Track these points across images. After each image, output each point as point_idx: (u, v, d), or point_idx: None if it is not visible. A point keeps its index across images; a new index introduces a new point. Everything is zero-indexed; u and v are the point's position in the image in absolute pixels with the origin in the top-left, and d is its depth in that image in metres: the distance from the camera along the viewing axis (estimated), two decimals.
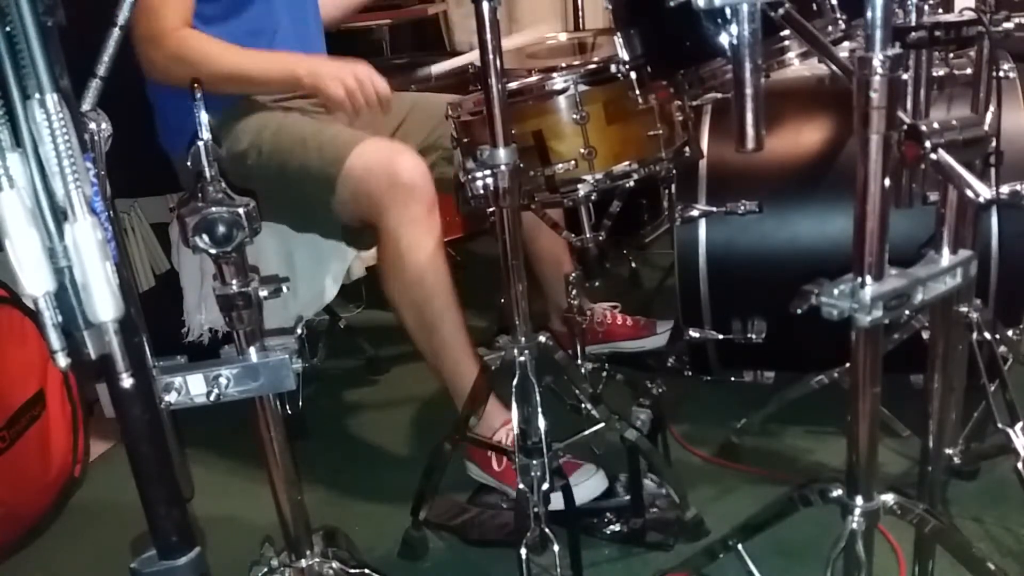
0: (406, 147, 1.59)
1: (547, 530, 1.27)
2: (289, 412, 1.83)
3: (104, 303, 0.66)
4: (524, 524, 1.27)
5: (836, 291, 0.80)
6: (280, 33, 1.71)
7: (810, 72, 1.75)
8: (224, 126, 1.68)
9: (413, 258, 1.51)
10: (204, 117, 0.92)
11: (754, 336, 1.62)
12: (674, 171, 1.54)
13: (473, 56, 2.04)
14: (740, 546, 1.20)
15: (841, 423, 0.97)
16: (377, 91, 1.59)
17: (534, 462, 1.28)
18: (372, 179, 1.53)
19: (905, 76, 1.15)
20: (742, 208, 1.59)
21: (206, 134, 0.91)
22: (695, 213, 1.62)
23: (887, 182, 0.80)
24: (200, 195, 0.91)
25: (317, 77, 1.57)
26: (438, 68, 1.86)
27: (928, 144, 0.83)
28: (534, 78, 1.45)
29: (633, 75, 1.42)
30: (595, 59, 1.53)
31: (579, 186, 1.44)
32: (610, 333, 2.09)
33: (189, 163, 0.91)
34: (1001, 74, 1.44)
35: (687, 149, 1.55)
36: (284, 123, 1.68)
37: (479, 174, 1.18)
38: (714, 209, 1.61)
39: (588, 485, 1.52)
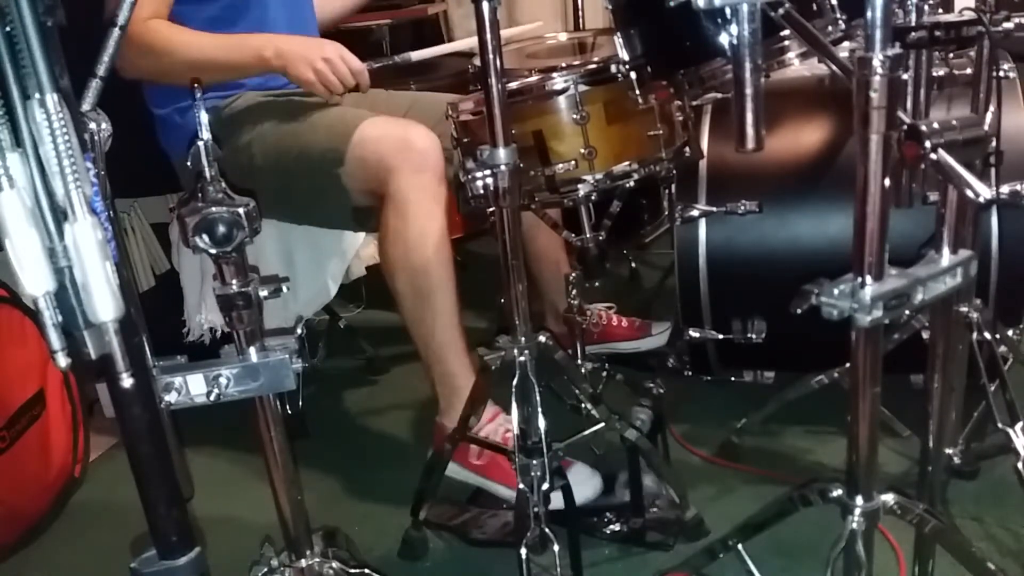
0: (417, 122, 1.58)
1: (547, 530, 1.27)
2: (289, 412, 1.83)
3: (104, 303, 0.66)
4: (524, 524, 1.27)
5: (836, 291, 0.80)
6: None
7: (810, 72, 1.75)
8: (223, 121, 1.67)
9: (418, 224, 1.50)
10: (204, 117, 0.92)
11: (754, 336, 1.62)
12: (674, 171, 1.54)
13: (455, 46, 2.05)
14: (740, 546, 1.20)
15: (841, 423, 0.97)
16: (350, 69, 1.57)
17: (534, 462, 1.28)
18: (384, 144, 1.52)
19: (905, 76, 1.15)
20: (742, 208, 1.59)
21: (206, 134, 0.91)
22: (695, 213, 1.62)
23: (887, 182, 0.80)
24: (200, 195, 0.91)
25: (285, 58, 1.55)
26: (419, 54, 1.87)
27: (928, 144, 0.83)
28: (534, 78, 1.45)
29: (633, 75, 1.42)
30: (595, 59, 1.53)
31: (579, 186, 1.44)
32: (606, 334, 2.09)
33: (189, 163, 0.91)
34: (1001, 74, 1.44)
35: (687, 149, 1.55)
36: (285, 110, 1.67)
37: (479, 174, 1.18)
38: (714, 209, 1.61)
39: (582, 487, 1.52)
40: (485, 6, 1.10)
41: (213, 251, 0.92)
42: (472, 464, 1.58)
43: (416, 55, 1.87)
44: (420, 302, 1.54)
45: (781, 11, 1.09)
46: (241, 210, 0.91)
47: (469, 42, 1.96)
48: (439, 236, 1.51)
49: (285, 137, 1.63)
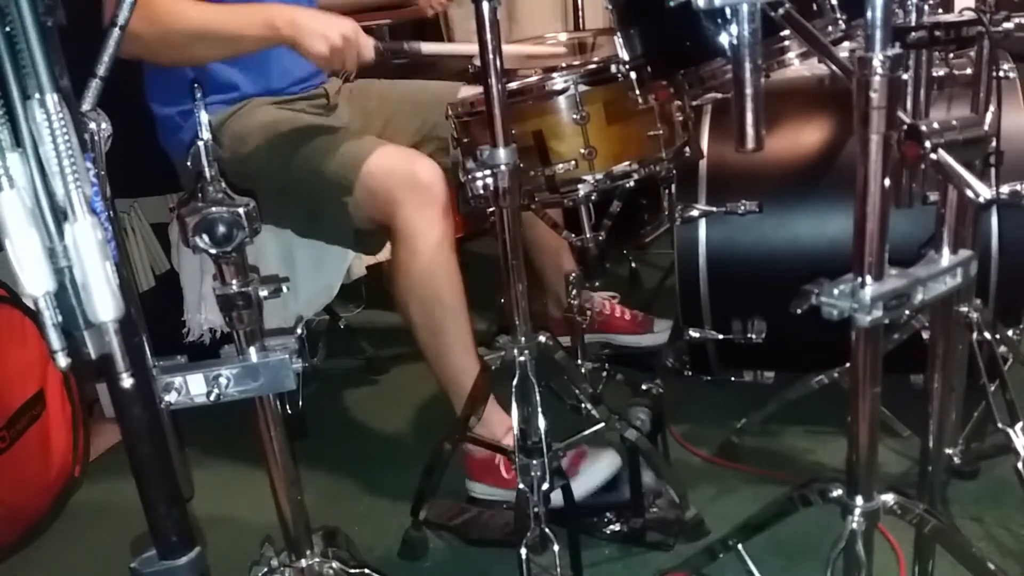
0: (423, 154, 1.59)
1: (547, 530, 1.27)
2: (289, 412, 1.83)
3: (104, 303, 0.66)
4: (524, 524, 1.27)
5: (836, 291, 0.80)
6: None
7: (810, 72, 1.75)
8: (227, 127, 1.67)
9: (426, 257, 1.51)
10: (204, 117, 0.92)
11: (754, 336, 1.62)
12: (674, 171, 1.54)
13: (468, 48, 2.02)
14: (740, 546, 1.20)
15: (841, 423, 0.97)
16: (360, 55, 1.51)
17: (534, 462, 1.28)
18: (391, 179, 1.52)
19: (905, 76, 1.15)
20: (742, 208, 1.59)
21: (206, 134, 0.91)
22: (695, 213, 1.62)
23: (887, 182, 0.80)
24: (200, 195, 0.91)
25: (298, 30, 1.47)
26: (428, 48, 1.83)
27: (928, 144, 0.83)
28: (534, 78, 1.45)
29: (633, 75, 1.42)
30: (595, 59, 1.53)
31: (579, 186, 1.44)
32: (607, 324, 2.09)
33: (189, 163, 0.91)
34: (1001, 74, 1.44)
35: (687, 149, 1.55)
36: (293, 126, 1.66)
37: (479, 174, 1.18)
38: (714, 209, 1.61)
39: (603, 465, 1.54)
40: (485, 6, 1.09)
41: (213, 251, 0.92)
42: (505, 480, 1.56)
43: (427, 48, 1.84)
44: (433, 332, 1.55)
45: (781, 11, 1.09)
46: (241, 210, 0.91)
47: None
48: (448, 268, 1.52)
49: (291, 161, 1.61)
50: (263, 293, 0.96)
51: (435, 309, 1.53)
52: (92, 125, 0.81)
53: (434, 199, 1.51)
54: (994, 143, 1.25)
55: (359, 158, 1.55)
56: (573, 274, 1.69)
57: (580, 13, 2.92)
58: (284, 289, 0.98)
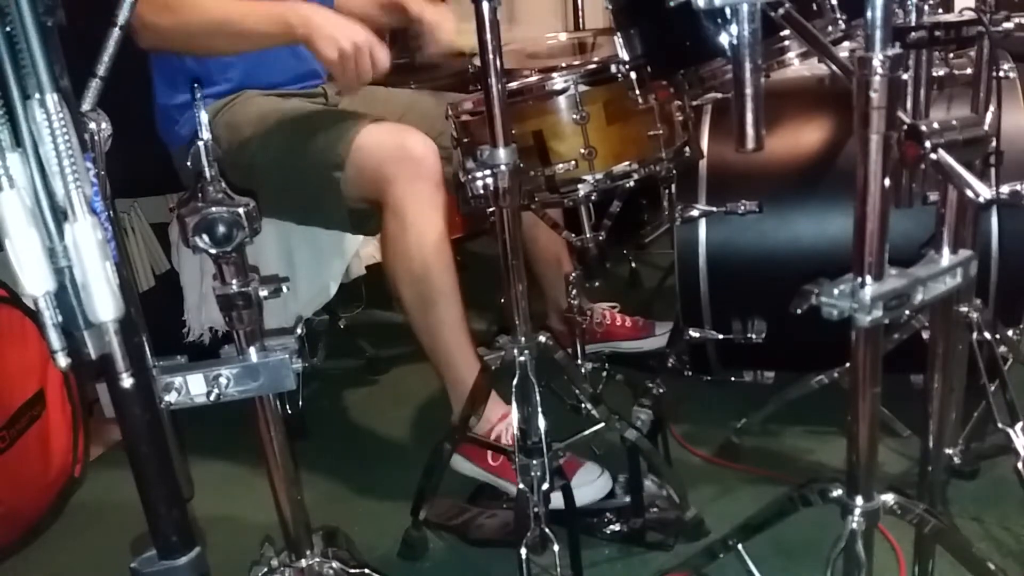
0: (414, 129, 1.57)
1: (547, 530, 1.28)
2: (289, 412, 1.83)
3: (104, 303, 0.66)
4: (524, 524, 1.27)
5: (836, 291, 0.80)
6: None
7: (810, 72, 1.75)
8: (223, 117, 1.67)
9: (417, 232, 1.50)
10: (204, 117, 0.92)
11: (754, 336, 1.62)
12: (674, 171, 1.54)
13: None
14: (740, 546, 1.20)
15: (841, 423, 0.97)
16: (375, 63, 1.48)
17: (534, 462, 1.28)
18: (382, 152, 1.51)
19: (905, 76, 1.15)
20: (742, 208, 1.59)
21: (206, 134, 0.91)
22: (695, 213, 1.62)
23: (887, 182, 0.80)
24: (200, 195, 0.91)
25: (312, 30, 1.46)
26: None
27: (928, 144, 0.83)
28: (534, 78, 1.45)
29: (633, 75, 1.42)
30: (595, 59, 1.53)
31: (579, 186, 1.44)
32: (609, 333, 2.09)
33: (189, 163, 0.91)
34: (1001, 74, 1.44)
35: (687, 149, 1.55)
36: (286, 110, 1.66)
37: (479, 174, 1.18)
38: (714, 209, 1.61)
39: (593, 486, 1.52)
40: (485, 6, 1.10)
41: (213, 251, 0.92)
42: (490, 466, 1.57)
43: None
44: (425, 310, 1.54)
45: (781, 11, 1.09)
46: (241, 210, 0.91)
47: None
48: (439, 243, 1.51)
49: (285, 141, 1.62)
50: (263, 293, 0.96)
51: (427, 285, 1.52)
52: (92, 125, 0.81)
53: (426, 173, 1.50)
54: (994, 143, 1.25)
55: (349, 134, 1.54)
56: (573, 274, 1.69)
57: (580, 13, 2.92)
58: (284, 289, 0.98)
